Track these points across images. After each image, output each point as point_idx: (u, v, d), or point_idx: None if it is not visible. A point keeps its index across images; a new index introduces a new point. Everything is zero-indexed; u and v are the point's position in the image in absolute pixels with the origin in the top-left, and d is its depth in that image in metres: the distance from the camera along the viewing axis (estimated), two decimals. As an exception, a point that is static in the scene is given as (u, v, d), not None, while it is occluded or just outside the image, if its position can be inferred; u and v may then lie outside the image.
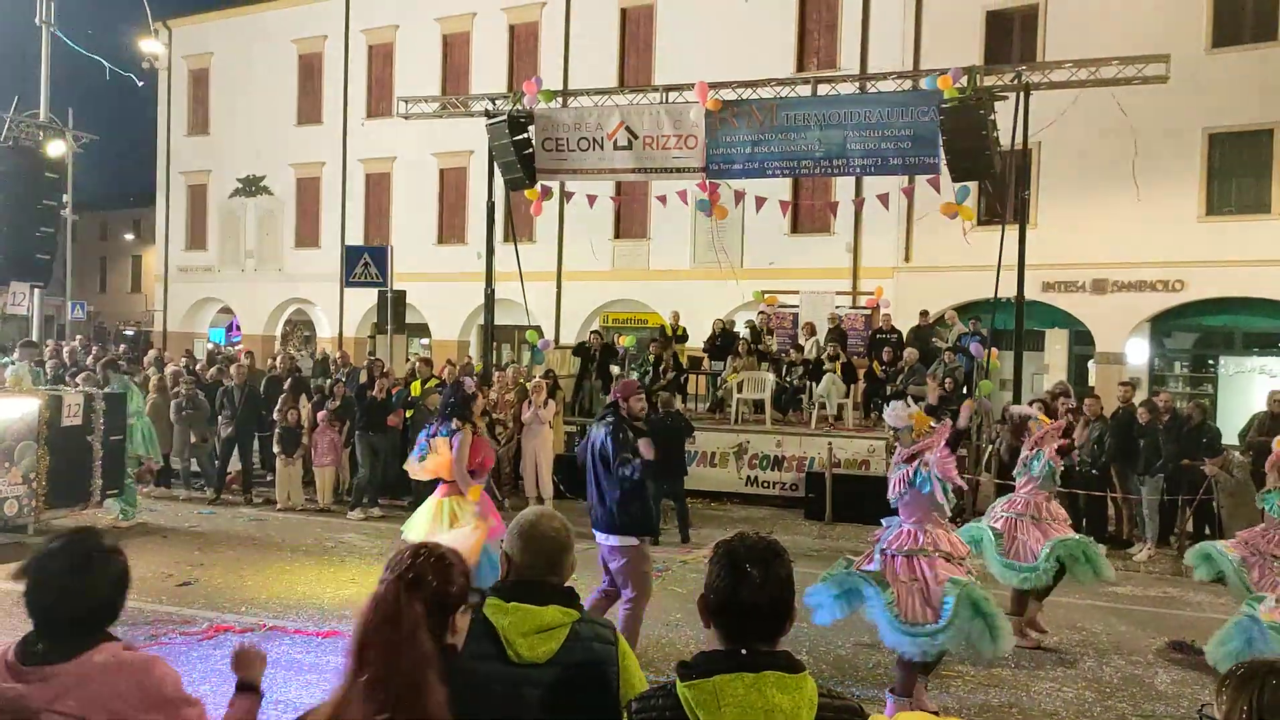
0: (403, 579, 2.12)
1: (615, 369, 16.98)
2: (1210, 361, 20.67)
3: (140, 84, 23.19)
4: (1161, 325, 20.36)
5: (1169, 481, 11.36)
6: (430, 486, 7.89)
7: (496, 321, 17.80)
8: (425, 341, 28.05)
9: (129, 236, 48.21)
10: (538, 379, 14.09)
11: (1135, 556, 11.32)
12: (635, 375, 16.80)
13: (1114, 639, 8.09)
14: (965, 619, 5.71)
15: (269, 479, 14.00)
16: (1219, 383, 20.28)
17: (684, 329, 17.82)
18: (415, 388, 13.85)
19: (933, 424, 6.36)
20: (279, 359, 16.75)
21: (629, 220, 24.84)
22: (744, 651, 2.04)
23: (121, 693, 2.26)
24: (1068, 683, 6.96)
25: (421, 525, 7.39)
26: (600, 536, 6.53)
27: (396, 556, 2.22)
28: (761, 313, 18.73)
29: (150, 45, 26.75)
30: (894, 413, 6.52)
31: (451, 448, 7.39)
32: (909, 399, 6.92)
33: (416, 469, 7.71)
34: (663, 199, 17.05)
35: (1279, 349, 20.12)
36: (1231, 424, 14.16)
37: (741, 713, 1.96)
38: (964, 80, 12.73)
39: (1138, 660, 7.57)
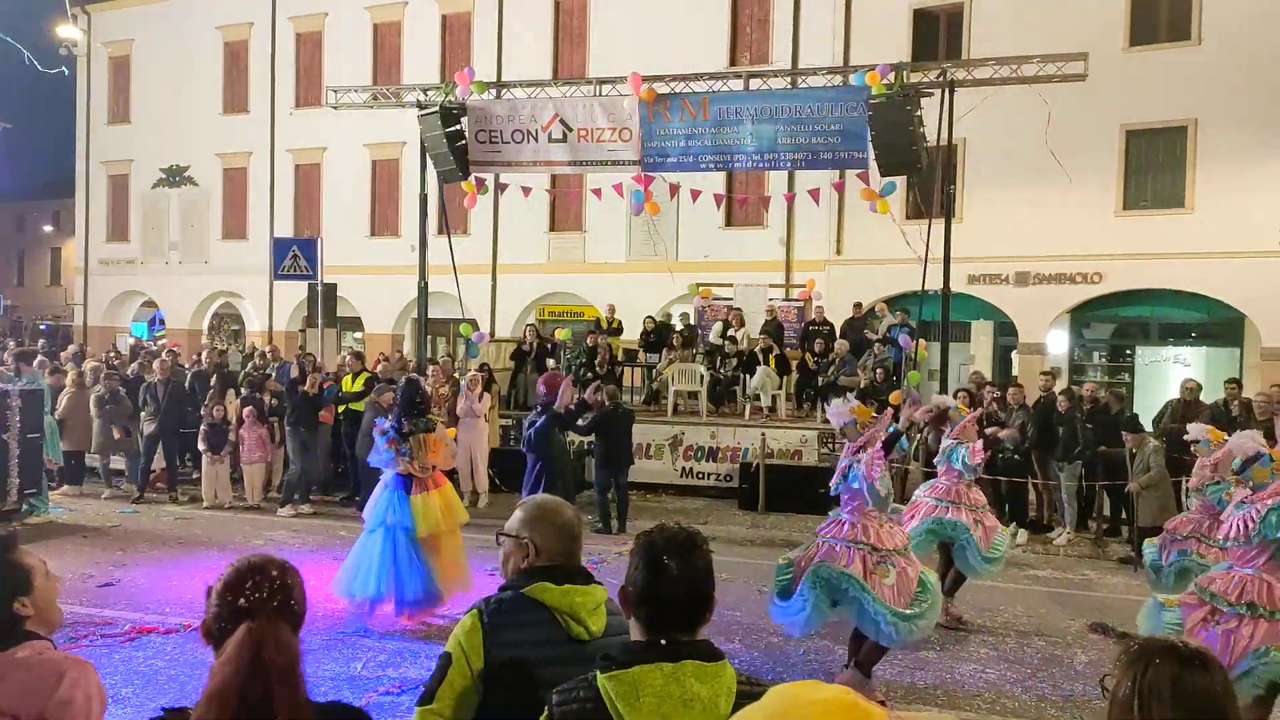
0: (269, 607, 2.00)
1: (551, 362, 16.93)
2: (1127, 351, 21.36)
3: (64, 72, 22.36)
4: (1081, 316, 20.97)
5: (1087, 468, 11.74)
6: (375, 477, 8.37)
7: (431, 315, 17.62)
8: (359, 335, 27.64)
9: (48, 228, 46.65)
10: (473, 372, 14.00)
11: (1055, 541, 11.68)
12: (569, 368, 16.80)
13: (1035, 621, 8.35)
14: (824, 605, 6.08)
15: (195, 477, 13.71)
16: (1135, 372, 20.97)
17: (619, 321, 17.85)
18: (346, 382, 13.66)
19: (874, 414, 6.55)
20: (205, 353, 16.37)
21: (564, 213, 24.78)
22: (663, 642, 2.06)
23: (32, 689, 2.35)
24: (990, 664, 7.18)
25: (433, 520, 7.83)
26: None
27: (241, 582, 2.06)
28: (708, 306, 18.62)
29: (68, 31, 25.85)
30: (835, 411, 6.67)
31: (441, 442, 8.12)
32: (846, 395, 7.09)
33: (408, 465, 7.92)
34: (598, 193, 17.05)
35: (1193, 339, 20.88)
36: (1148, 412, 14.65)
37: (659, 702, 1.98)
38: (891, 77, 12.97)
39: (1058, 641, 7.83)
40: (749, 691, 2.07)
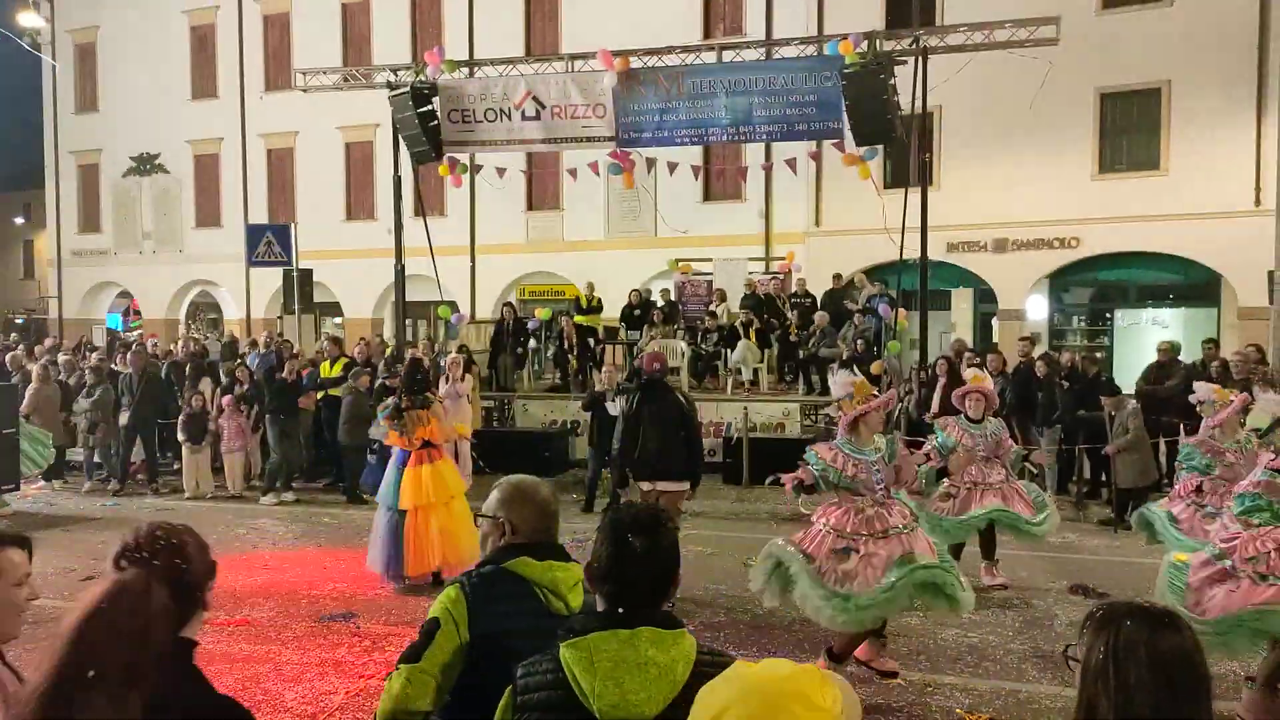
0: (147, 564, 1.87)
1: (534, 343, 16.93)
2: (1106, 315, 21.50)
3: (42, 58, 21.93)
4: (1059, 281, 21.08)
5: (1066, 432, 11.83)
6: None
7: (410, 298, 17.52)
8: (337, 320, 27.49)
9: (19, 220, 45.92)
10: (453, 354, 13.92)
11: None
12: (553, 349, 16.79)
13: (1015, 584, 8.42)
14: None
15: (176, 468, 13.63)
16: (1114, 335, 21.12)
17: (599, 299, 17.80)
18: (325, 368, 13.59)
19: (875, 392, 6.53)
20: (181, 343, 16.24)
21: (542, 192, 24.64)
22: (620, 610, 2.10)
23: None
24: (971, 628, 7.24)
25: (419, 492, 8.24)
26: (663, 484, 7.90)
27: (132, 539, 1.97)
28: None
29: (30, 19, 25.44)
30: (839, 382, 6.62)
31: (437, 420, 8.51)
32: (854, 367, 7.06)
33: (401, 439, 8.43)
34: (573, 172, 16.95)
35: (1171, 301, 21.03)
36: (1128, 375, 14.76)
37: (614, 666, 2.01)
38: (864, 45, 12.91)
39: (1038, 604, 7.91)
40: (710, 661, 2.09)
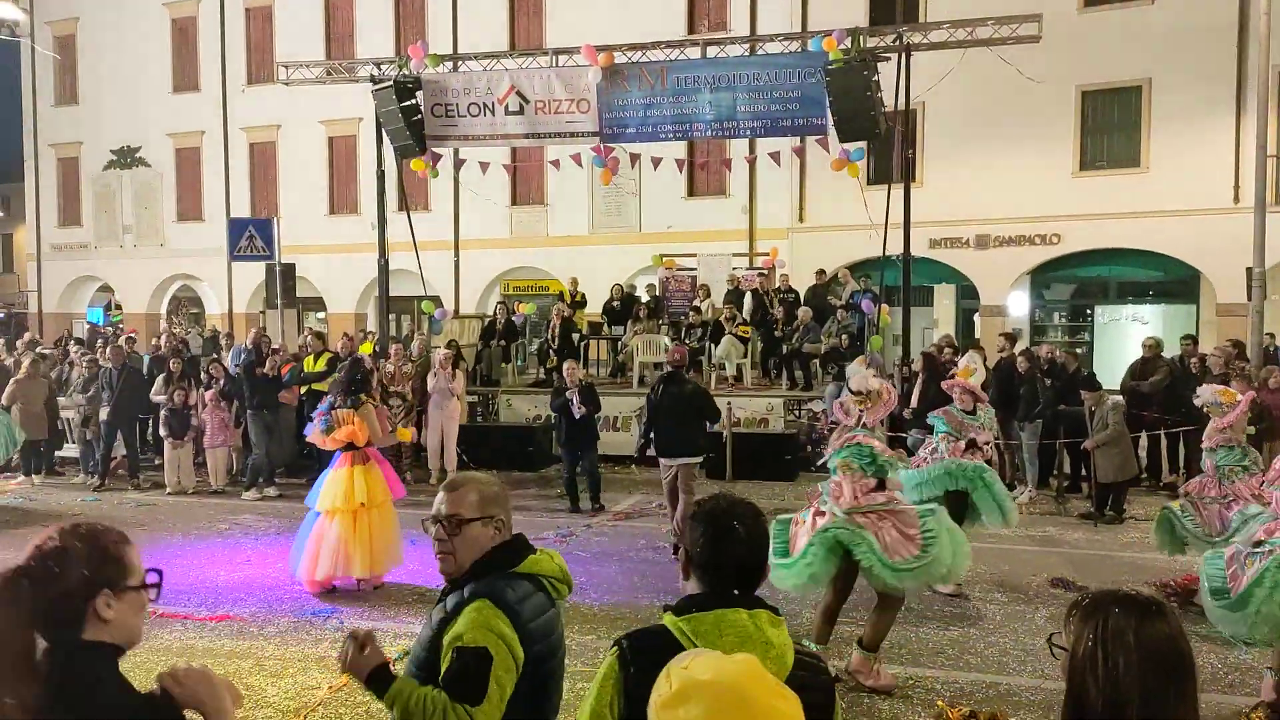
0: (12, 572, 1.84)
1: (522, 341, 16.93)
2: (1087, 311, 21.66)
3: (21, 49, 21.66)
4: (1040, 277, 21.22)
5: (1047, 426, 11.92)
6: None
7: (394, 292, 17.48)
8: (321, 315, 27.37)
9: (-3, 214, 45.53)
10: (443, 350, 13.84)
11: (1018, 499, 11.82)
12: (537, 343, 16.78)
13: (997, 578, 8.48)
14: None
15: (157, 463, 13.55)
16: (1095, 331, 21.29)
17: (583, 294, 17.79)
18: (309, 363, 13.52)
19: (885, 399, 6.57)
20: (164, 338, 16.13)
21: (526, 187, 24.59)
22: (736, 592, 2.15)
23: None
24: (953, 621, 7.29)
25: (334, 496, 7.93)
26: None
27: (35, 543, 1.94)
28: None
29: (9, 11, 25.14)
30: (855, 373, 6.65)
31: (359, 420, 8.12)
32: (874, 366, 7.10)
33: (322, 438, 8.20)
34: (556, 163, 16.94)
35: (1151, 297, 21.21)
36: (1108, 370, 14.88)
37: (742, 641, 2.05)
38: (848, 42, 12.95)
39: (1019, 597, 7.97)
40: (805, 652, 2.20)
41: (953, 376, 8.80)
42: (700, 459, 9.37)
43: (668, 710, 1.64)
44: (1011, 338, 13.16)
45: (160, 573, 2.01)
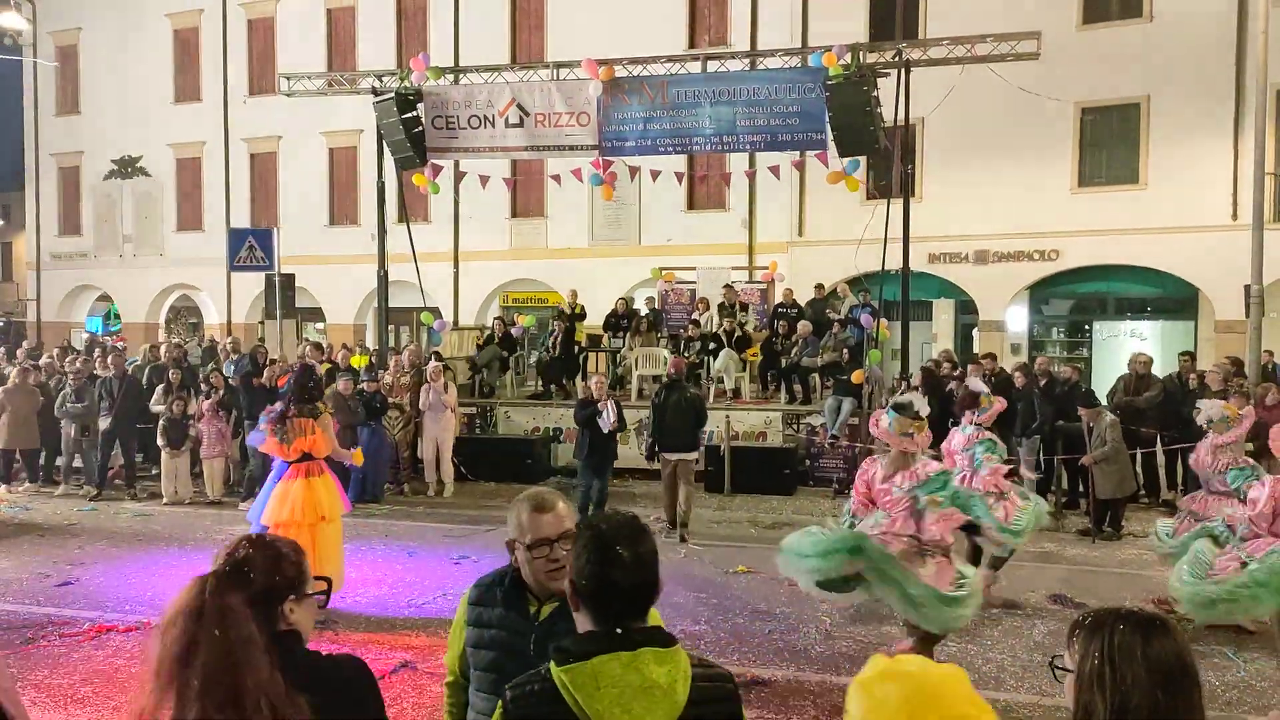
0: (221, 572, 2.10)
1: (520, 353, 16.91)
2: (1085, 327, 21.68)
3: (22, 60, 21.71)
4: (1039, 293, 21.24)
5: (1045, 442, 11.91)
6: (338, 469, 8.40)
7: (393, 304, 17.49)
8: (320, 326, 27.37)
9: (-3, 222, 45.57)
10: (434, 364, 13.81)
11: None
12: (536, 355, 16.78)
13: (995, 592, 8.45)
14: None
15: (155, 473, 13.52)
16: (1093, 347, 21.30)
17: (581, 306, 17.81)
18: (308, 374, 13.50)
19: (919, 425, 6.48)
20: (163, 348, 16.12)
21: (526, 199, 24.63)
22: (619, 631, 2.04)
23: None
24: (950, 637, 7.25)
25: (289, 509, 7.57)
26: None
27: (225, 550, 2.19)
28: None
29: (11, 20, 25.23)
30: (917, 398, 6.61)
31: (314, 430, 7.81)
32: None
33: (281, 447, 7.81)
34: (557, 178, 16.98)
35: (1149, 314, 21.23)
36: (1107, 386, 14.88)
37: (620, 692, 1.96)
38: (848, 57, 13.01)
39: (1017, 614, 7.94)
40: (704, 676, 2.08)
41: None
42: (696, 454, 11.14)
43: (866, 686, 1.77)
44: (994, 358, 13.24)
45: (329, 581, 2.36)
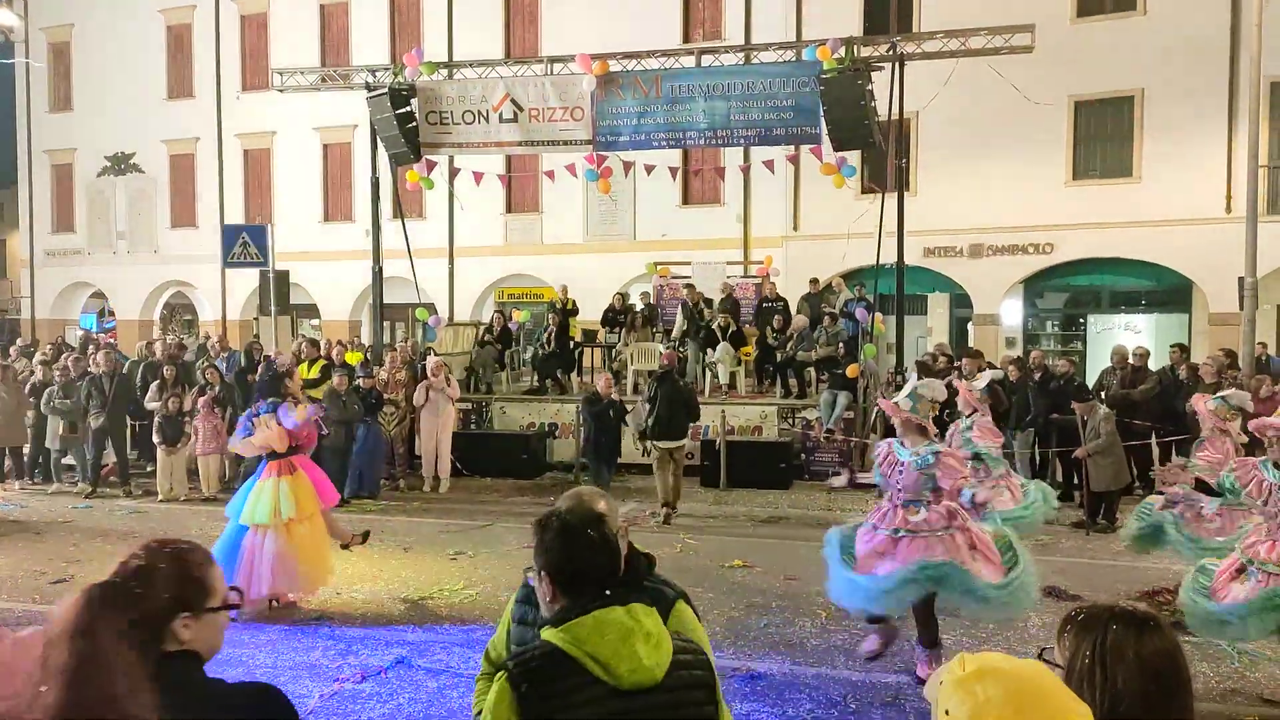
0: (105, 584, 1.89)
1: (516, 348, 16.90)
2: (1080, 320, 21.72)
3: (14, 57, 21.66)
4: (1034, 286, 21.27)
5: (1039, 435, 11.93)
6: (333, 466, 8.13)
7: (388, 300, 17.46)
8: (315, 322, 27.33)
9: (-10, 220, 45.42)
10: (434, 359, 13.81)
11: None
12: (531, 349, 16.78)
13: (990, 587, 8.47)
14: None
15: (149, 469, 13.50)
16: (1088, 340, 21.33)
17: (573, 302, 17.80)
18: (303, 370, 13.50)
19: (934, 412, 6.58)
20: (158, 344, 16.09)
21: (520, 195, 24.61)
22: (608, 592, 2.18)
23: None
24: (945, 630, 7.25)
25: (262, 510, 7.51)
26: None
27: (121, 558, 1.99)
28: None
29: (4, 17, 25.12)
30: (929, 385, 6.58)
31: (279, 424, 7.71)
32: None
33: (242, 445, 7.89)
34: (550, 174, 16.96)
35: (1143, 306, 21.27)
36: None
37: (624, 635, 2.09)
38: (842, 51, 13.00)
39: (1011, 606, 7.95)
40: (679, 637, 2.27)
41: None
42: (685, 441, 11.69)
43: (964, 686, 1.65)
44: (980, 358, 13.21)
45: (241, 592, 2.14)
